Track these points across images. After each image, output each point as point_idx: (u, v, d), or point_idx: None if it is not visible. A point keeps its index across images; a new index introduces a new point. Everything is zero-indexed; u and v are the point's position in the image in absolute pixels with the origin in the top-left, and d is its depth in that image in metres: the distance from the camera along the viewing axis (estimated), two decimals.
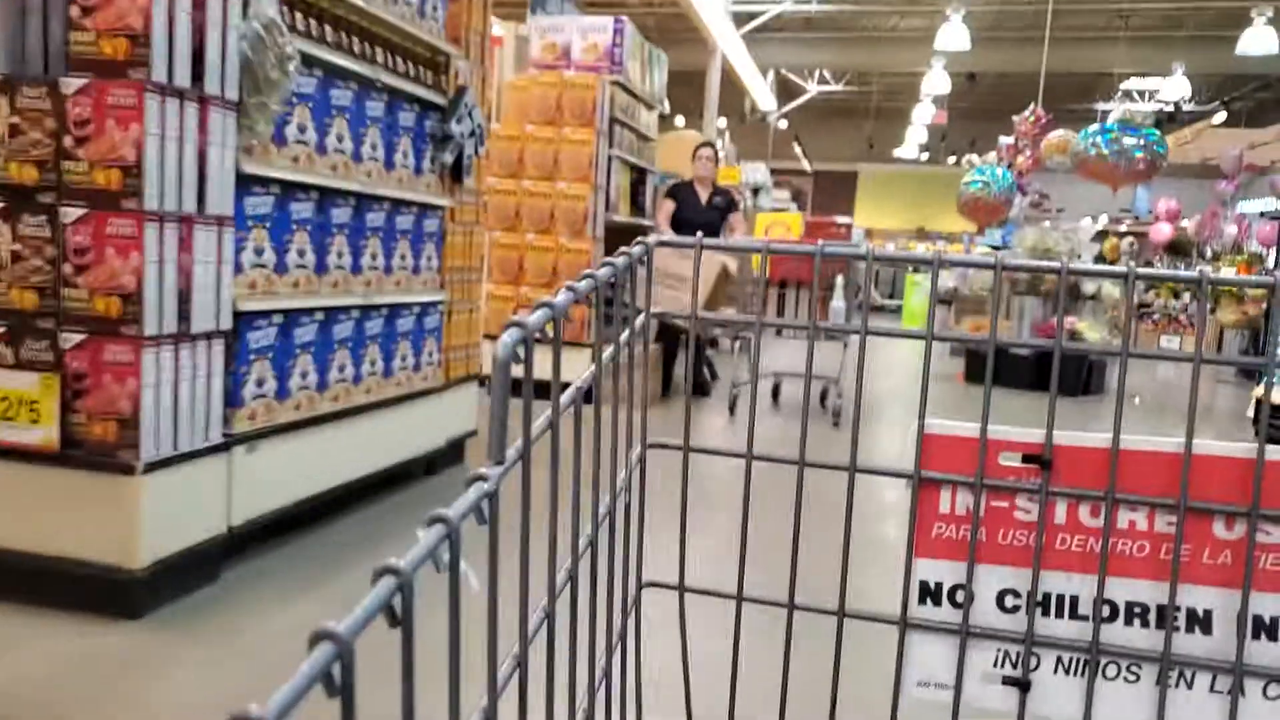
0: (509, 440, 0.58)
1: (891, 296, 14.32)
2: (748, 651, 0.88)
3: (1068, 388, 6.23)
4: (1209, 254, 10.64)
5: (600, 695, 0.73)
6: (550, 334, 0.64)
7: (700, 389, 5.10)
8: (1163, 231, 10.36)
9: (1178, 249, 10.19)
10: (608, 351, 0.75)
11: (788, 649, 0.87)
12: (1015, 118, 9.67)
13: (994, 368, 0.87)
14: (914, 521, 0.88)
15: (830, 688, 0.86)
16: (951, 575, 0.89)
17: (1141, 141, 6.99)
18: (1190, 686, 0.92)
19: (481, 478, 0.54)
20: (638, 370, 0.82)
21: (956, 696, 0.88)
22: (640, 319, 0.83)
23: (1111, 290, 6.37)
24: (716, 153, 5.70)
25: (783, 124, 15.58)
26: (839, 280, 4.86)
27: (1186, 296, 9.71)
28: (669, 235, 3.45)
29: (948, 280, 8.37)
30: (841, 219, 14.27)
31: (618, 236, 4.60)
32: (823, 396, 4.91)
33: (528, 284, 4.89)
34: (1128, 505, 0.89)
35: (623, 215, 5.31)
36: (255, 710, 0.33)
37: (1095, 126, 7.27)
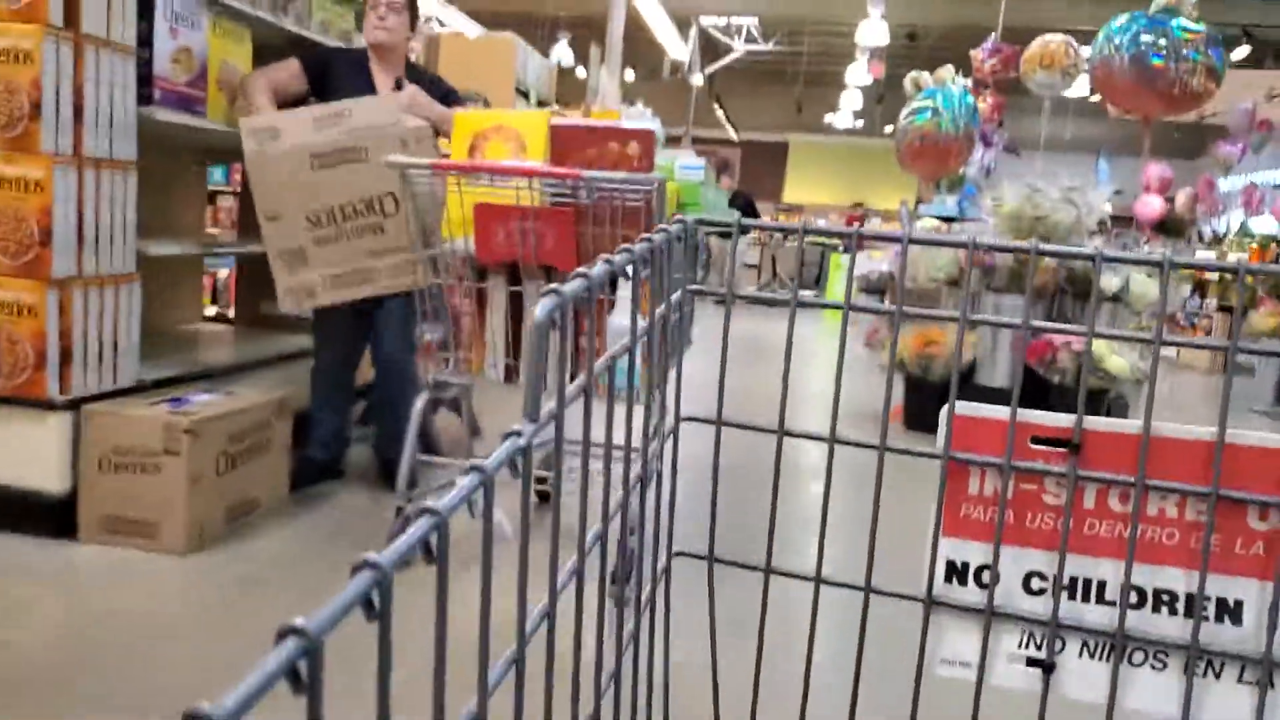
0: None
1: (818, 282, 11.60)
2: (777, 625, 0.90)
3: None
4: (1207, 236, 8.41)
5: (628, 657, 0.76)
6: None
7: (431, 449, 2.84)
8: (1152, 206, 6.99)
9: (1168, 229, 7.39)
10: (643, 324, 0.77)
11: (813, 622, 0.89)
12: (972, 52, 7.11)
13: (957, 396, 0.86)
14: (942, 501, 0.89)
15: (855, 662, 0.88)
16: (978, 556, 0.90)
17: (1197, 40, 4.72)
18: (1218, 676, 0.92)
19: (516, 433, 0.57)
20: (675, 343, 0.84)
21: (980, 676, 0.89)
22: (677, 294, 0.85)
23: (1145, 287, 4.01)
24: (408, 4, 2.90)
25: (698, 80, 13.65)
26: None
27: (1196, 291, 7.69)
28: (266, 112, 2.57)
29: (879, 263, 5.62)
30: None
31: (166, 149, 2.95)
32: None
33: None
34: (1158, 492, 0.89)
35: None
36: (301, 621, 0.36)
37: (1123, 19, 4.89)
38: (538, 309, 0.62)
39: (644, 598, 0.80)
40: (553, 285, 0.64)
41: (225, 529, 2.42)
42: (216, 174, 5.74)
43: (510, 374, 2.33)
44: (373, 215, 2.52)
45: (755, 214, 10.79)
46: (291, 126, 2.50)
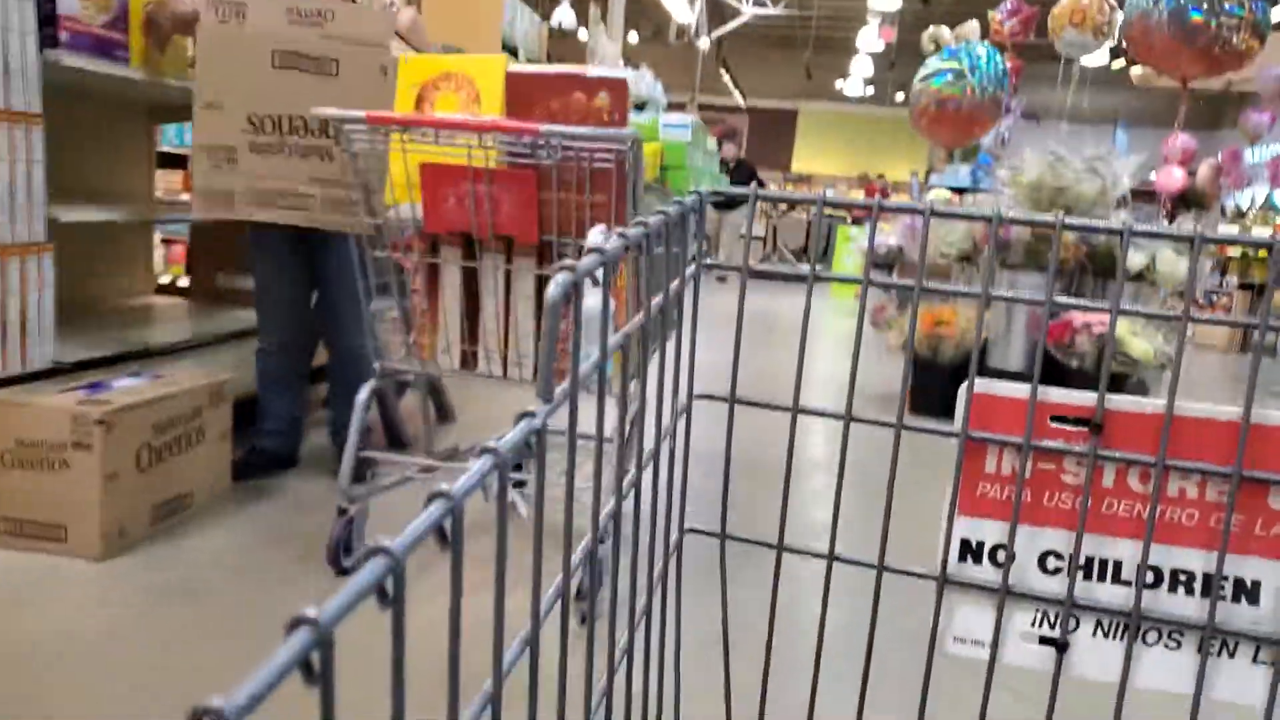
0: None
1: (825, 254, 10.90)
2: (790, 602, 0.90)
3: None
4: (1229, 210, 7.99)
5: (640, 631, 0.76)
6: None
7: (397, 440, 2.91)
8: (1175, 178, 6.38)
9: (1190, 203, 6.91)
10: (656, 300, 0.76)
11: (825, 600, 0.88)
12: (991, 13, 6.72)
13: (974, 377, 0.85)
14: (958, 479, 0.88)
15: (867, 638, 0.88)
16: (994, 534, 0.89)
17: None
18: (1233, 656, 0.91)
19: (530, 414, 0.56)
20: (687, 321, 0.83)
21: (993, 654, 0.89)
22: (692, 269, 0.84)
23: (1173, 265, 3.72)
24: None
25: (704, 43, 13.09)
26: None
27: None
28: None
29: (887, 236, 5.21)
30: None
31: None
32: None
33: None
34: (1179, 473, 0.88)
35: None
36: (312, 611, 0.35)
37: None
38: (550, 287, 0.61)
39: (656, 574, 0.80)
40: (566, 261, 0.63)
41: (150, 530, 2.16)
42: (180, 139, 5.09)
43: (467, 360, 2.08)
44: (323, 138, 2.16)
45: (759, 185, 10.46)
46: (262, 8, 2.15)
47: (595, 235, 1.67)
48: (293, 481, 2.62)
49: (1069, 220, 0.83)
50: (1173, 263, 3.76)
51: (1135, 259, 3.80)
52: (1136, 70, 8.26)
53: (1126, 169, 3.86)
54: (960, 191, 6.30)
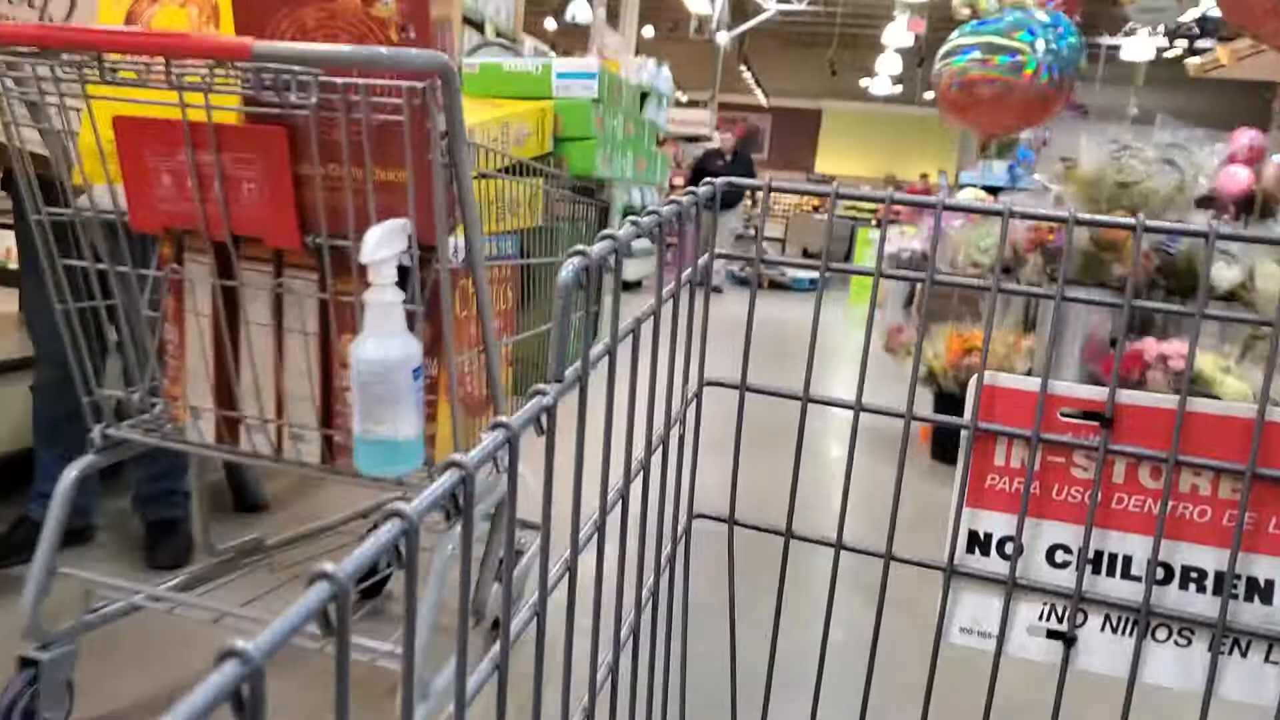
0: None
1: (847, 258, 10.05)
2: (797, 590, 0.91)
3: None
4: None
5: (646, 613, 0.77)
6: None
7: (250, 506, 2.39)
8: (1238, 179, 5.55)
9: (1254, 207, 5.91)
10: (668, 287, 0.77)
11: (832, 588, 0.89)
12: None
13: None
14: (966, 471, 0.89)
15: (873, 628, 0.89)
16: (1002, 527, 0.90)
17: None
18: (1244, 655, 0.91)
19: (541, 392, 0.58)
20: (699, 308, 0.84)
21: (999, 646, 0.89)
22: (704, 258, 0.85)
23: (1274, 282, 2.93)
24: None
25: (723, 38, 12.28)
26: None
27: None
28: None
29: (911, 240, 4.43)
30: None
31: None
32: None
33: None
34: (1191, 469, 0.88)
35: None
36: (330, 567, 0.37)
37: None
38: (563, 271, 0.62)
39: (664, 558, 0.81)
40: (579, 247, 0.64)
41: None
42: None
43: (223, 432, 1.41)
44: None
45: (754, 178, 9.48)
46: None
47: (375, 237, 1.13)
48: (79, 563, 1.58)
49: (1150, 223, 0.77)
50: (1273, 278, 2.97)
51: (1227, 274, 2.98)
52: (1193, 61, 7.92)
53: (1212, 161, 3.14)
54: (995, 191, 5.52)
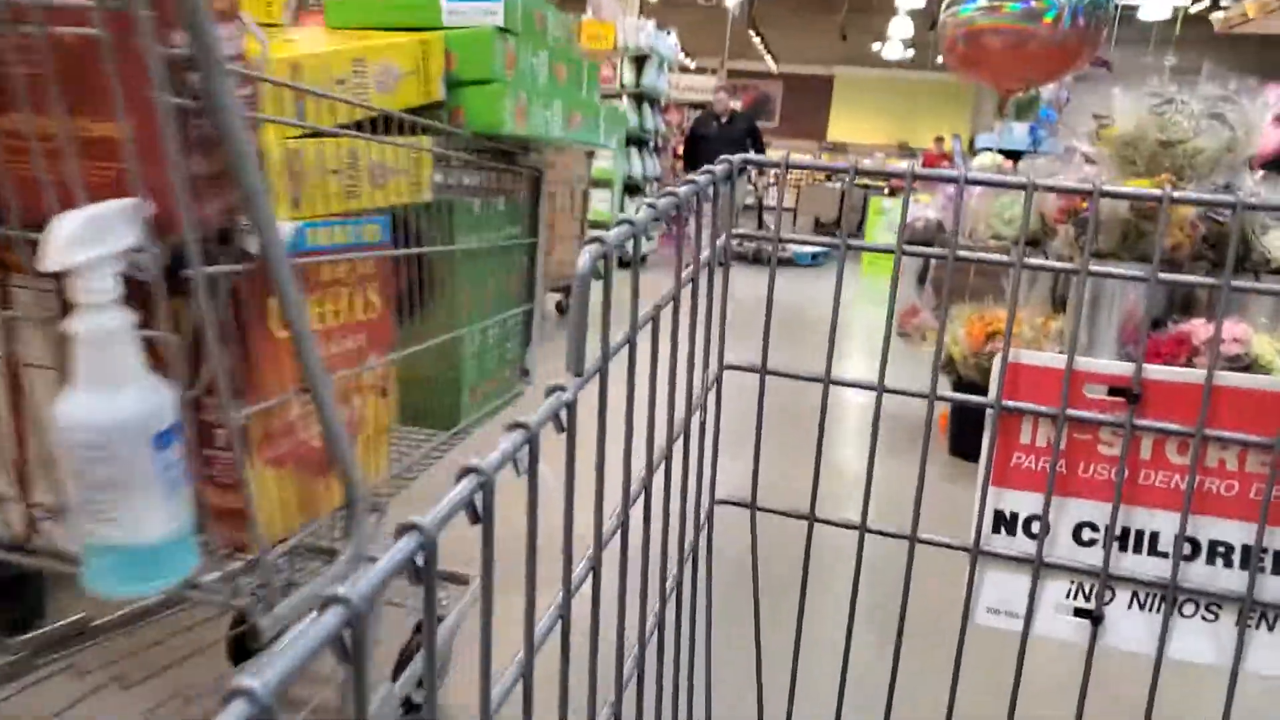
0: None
1: (860, 228, 9.56)
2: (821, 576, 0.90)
3: None
4: None
5: (671, 604, 0.76)
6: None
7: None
8: (1269, 137, 3.78)
9: None
10: (687, 271, 0.75)
11: (858, 571, 0.88)
12: None
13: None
14: (992, 450, 0.87)
15: (899, 609, 0.88)
16: (1028, 506, 0.88)
17: None
18: (1271, 629, 0.90)
19: (560, 388, 0.56)
20: (718, 291, 0.82)
21: (1026, 626, 0.88)
22: (722, 239, 0.83)
23: None
24: None
25: (732, 2, 11.75)
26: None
27: None
28: None
29: (925, 209, 3.90)
30: None
31: None
32: None
33: None
34: (1218, 444, 0.87)
35: None
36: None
37: None
38: (581, 258, 0.60)
39: (687, 546, 0.80)
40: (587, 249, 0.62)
41: None
42: None
43: (32, 527, 0.93)
44: None
45: (760, 145, 7.91)
46: None
47: (68, 229, 0.70)
48: None
49: (1177, 194, 0.74)
50: None
51: (1276, 241, 2.62)
52: (1218, 15, 7.71)
53: (1264, 116, 2.73)
54: (1016, 156, 4.95)
